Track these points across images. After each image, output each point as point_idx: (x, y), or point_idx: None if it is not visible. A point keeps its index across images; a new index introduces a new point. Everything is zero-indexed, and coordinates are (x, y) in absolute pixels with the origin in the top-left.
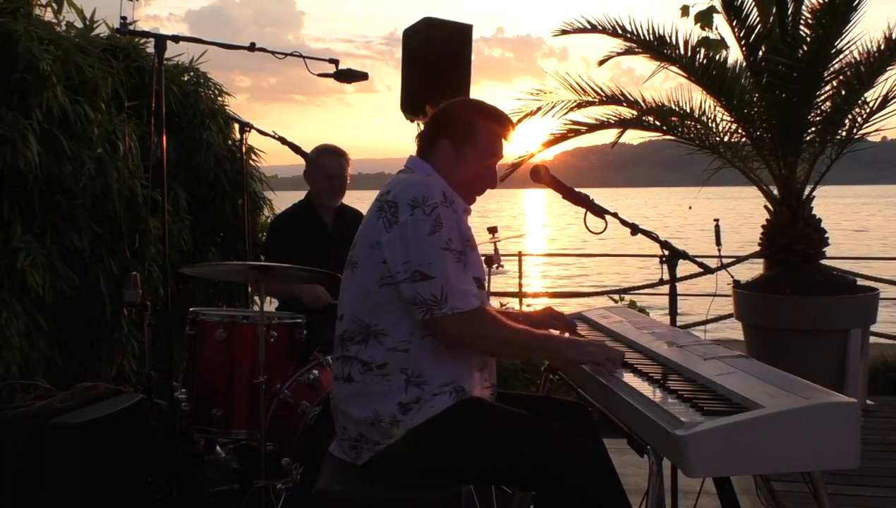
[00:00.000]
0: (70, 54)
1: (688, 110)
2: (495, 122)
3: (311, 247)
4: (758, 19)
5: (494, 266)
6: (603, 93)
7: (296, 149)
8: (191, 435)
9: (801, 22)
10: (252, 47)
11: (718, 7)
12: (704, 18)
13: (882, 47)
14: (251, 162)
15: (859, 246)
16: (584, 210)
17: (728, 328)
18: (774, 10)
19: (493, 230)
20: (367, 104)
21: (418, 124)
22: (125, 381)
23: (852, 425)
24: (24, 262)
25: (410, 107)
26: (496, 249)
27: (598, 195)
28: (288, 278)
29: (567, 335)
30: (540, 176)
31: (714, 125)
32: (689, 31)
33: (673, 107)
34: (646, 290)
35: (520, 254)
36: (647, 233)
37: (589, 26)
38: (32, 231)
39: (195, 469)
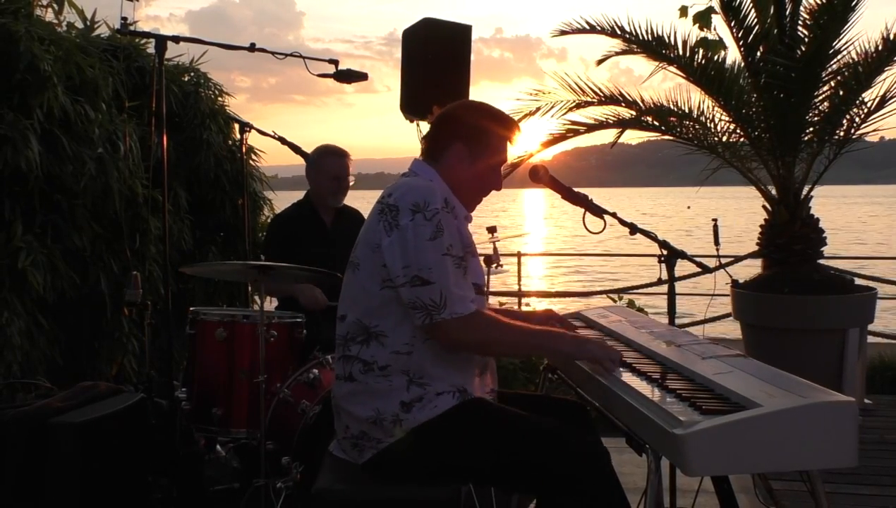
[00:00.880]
0: (71, 55)
1: (686, 110)
2: (504, 126)
3: (311, 246)
4: (756, 20)
5: (494, 265)
6: (602, 94)
7: (296, 149)
8: (191, 434)
9: (799, 22)
10: (252, 48)
11: (717, 8)
12: (703, 19)
13: (880, 48)
14: (251, 162)
15: (857, 245)
16: (582, 210)
17: (726, 327)
18: (772, 11)
19: (492, 230)
20: (367, 104)
21: (418, 124)
22: (126, 380)
23: (850, 424)
24: (24, 262)
25: (410, 108)
26: (495, 249)
27: (597, 195)
28: (288, 278)
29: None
30: (539, 176)
31: (712, 125)
32: (687, 31)
33: (671, 107)
34: (644, 290)
35: (519, 254)
36: (646, 233)
37: (588, 27)
38: (33, 230)
39: (195, 468)
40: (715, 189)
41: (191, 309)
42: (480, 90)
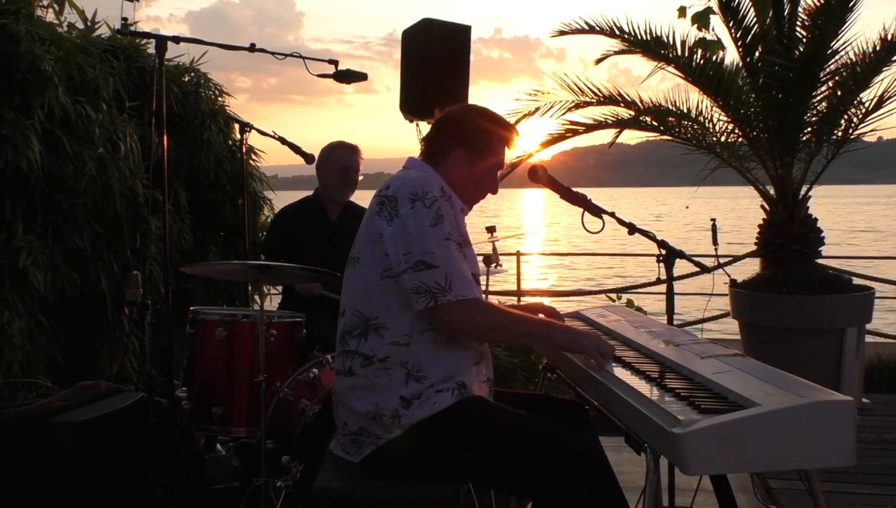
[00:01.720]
0: (71, 55)
1: (685, 110)
2: (504, 131)
3: (313, 241)
4: (754, 20)
5: (493, 265)
6: (600, 94)
7: (295, 149)
8: (191, 433)
9: (798, 23)
10: (252, 48)
11: (715, 8)
12: (701, 19)
13: (878, 48)
14: (251, 162)
15: (856, 245)
16: (581, 209)
17: (725, 327)
18: (771, 12)
19: (491, 229)
20: (367, 104)
21: (417, 124)
22: (126, 380)
23: (848, 423)
24: (25, 262)
25: (409, 108)
26: (494, 248)
27: (596, 195)
28: (287, 277)
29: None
30: (538, 176)
31: (711, 125)
32: (686, 31)
33: (670, 107)
34: (643, 289)
35: (518, 254)
36: (644, 233)
37: (587, 27)
38: (34, 230)
39: (195, 467)
40: (713, 189)
41: (191, 308)
42: (479, 90)
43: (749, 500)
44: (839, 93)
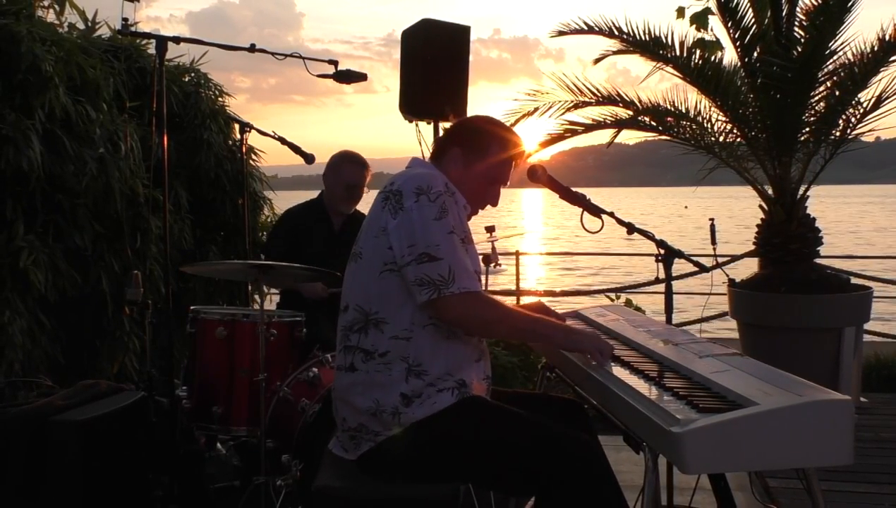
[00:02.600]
0: (72, 55)
1: (683, 110)
2: (509, 145)
3: (314, 246)
4: (753, 20)
5: (492, 264)
6: (599, 94)
7: (295, 149)
8: (191, 432)
9: (796, 23)
10: (252, 48)
11: (714, 9)
12: (700, 20)
13: (875, 48)
14: (251, 162)
15: (853, 245)
16: (580, 209)
17: (723, 326)
18: (769, 12)
19: (490, 229)
20: (366, 104)
21: (416, 124)
22: (127, 379)
23: (846, 422)
24: (26, 261)
25: (409, 108)
26: (493, 248)
27: (595, 194)
28: (288, 277)
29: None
30: (537, 175)
31: (709, 125)
32: (684, 32)
33: (668, 107)
34: (642, 289)
35: (517, 253)
36: (643, 233)
37: (585, 27)
38: (35, 230)
39: (196, 466)
40: (712, 189)
41: (191, 307)
42: (479, 90)
43: (747, 499)
44: (837, 93)
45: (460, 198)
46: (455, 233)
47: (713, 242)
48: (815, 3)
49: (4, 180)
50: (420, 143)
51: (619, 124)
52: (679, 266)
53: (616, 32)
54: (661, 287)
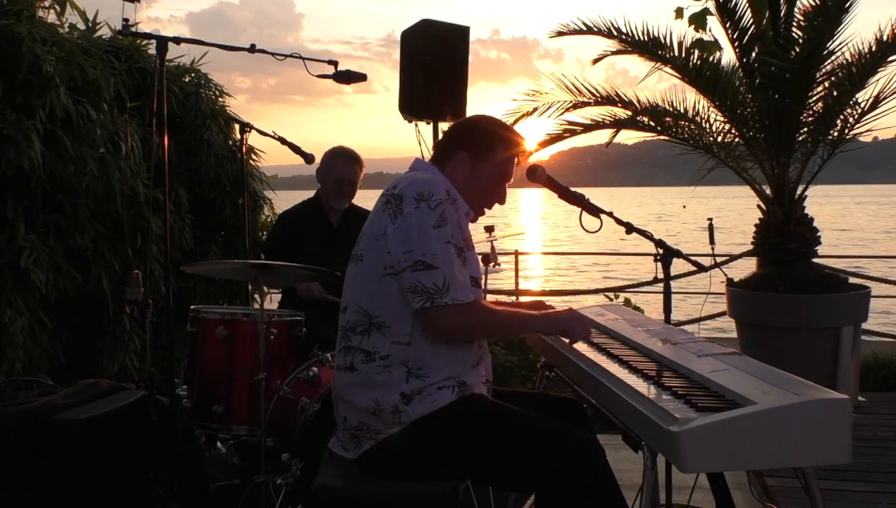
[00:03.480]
0: (73, 56)
1: (682, 111)
2: (514, 145)
3: (314, 244)
4: (751, 21)
5: (491, 264)
6: (598, 94)
7: (295, 149)
8: (192, 431)
9: (794, 24)
10: (252, 49)
11: (712, 9)
12: (698, 20)
13: (873, 49)
14: (251, 162)
15: (852, 245)
16: (579, 209)
17: (722, 325)
18: (767, 13)
19: (489, 229)
20: (366, 105)
21: (416, 124)
22: (127, 378)
23: (844, 421)
24: (27, 261)
25: (408, 108)
26: (493, 247)
27: (594, 194)
28: (288, 276)
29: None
30: (536, 175)
31: (708, 125)
32: (683, 32)
33: (667, 107)
34: (640, 288)
35: (516, 253)
36: (642, 232)
37: (584, 28)
38: (36, 230)
39: (196, 465)
40: (710, 189)
41: (192, 307)
42: (478, 91)
43: (745, 498)
44: (835, 93)
45: (462, 205)
46: (452, 243)
47: (711, 242)
48: (813, 4)
49: (5, 180)
50: (419, 143)
51: (618, 124)
52: (678, 265)
53: (615, 33)
54: (660, 286)
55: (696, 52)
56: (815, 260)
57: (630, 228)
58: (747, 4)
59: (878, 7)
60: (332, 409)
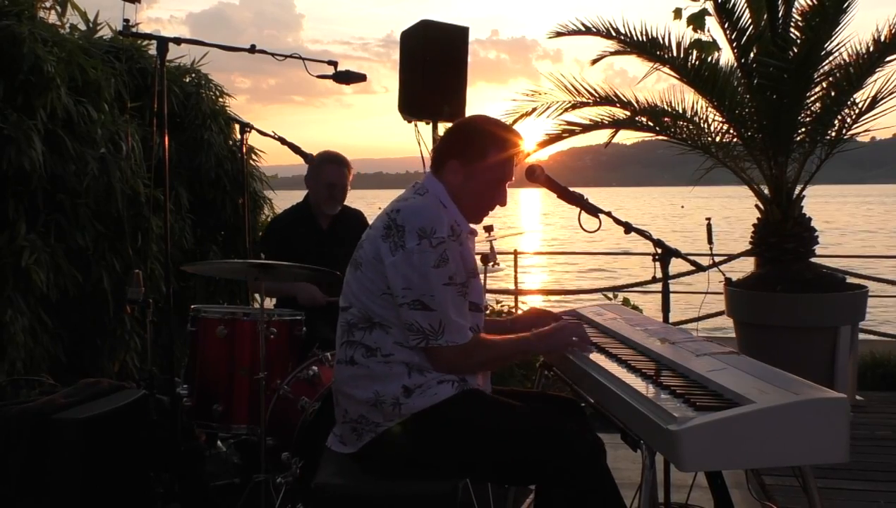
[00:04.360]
0: (74, 56)
1: (680, 111)
2: (507, 144)
3: (305, 248)
4: (749, 21)
5: (490, 264)
6: (597, 94)
7: (295, 149)
8: (192, 430)
9: (792, 24)
10: (252, 49)
11: (711, 10)
12: (697, 21)
13: (871, 49)
14: (251, 162)
15: (850, 244)
16: (578, 209)
17: (720, 325)
18: (766, 13)
19: (489, 229)
20: (365, 105)
21: (416, 125)
22: (128, 377)
23: (842, 420)
24: (28, 260)
25: (408, 108)
26: (492, 247)
27: (593, 194)
28: (287, 276)
29: (534, 331)
30: (535, 175)
31: (706, 125)
32: (681, 33)
33: (665, 107)
34: (639, 288)
35: (515, 253)
36: (641, 232)
37: (583, 28)
38: (36, 229)
39: (196, 464)
40: (709, 188)
41: (192, 306)
42: (477, 91)
43: (744, 496)
44: (833, 93)
45: (465, 233)
46: (452, 284)
47: (710, 241)
48: (811, 4)
49: (6, 180)
50: (419, 144)
51: (617, 124)
52: (676, 265)
53: (613, 33)
54: (659, 286)
55: (695, 52)
56: (813, 259)
57: (629, 228)
58: (745, 5)
59: (876, 7)
60: (332, 408)
